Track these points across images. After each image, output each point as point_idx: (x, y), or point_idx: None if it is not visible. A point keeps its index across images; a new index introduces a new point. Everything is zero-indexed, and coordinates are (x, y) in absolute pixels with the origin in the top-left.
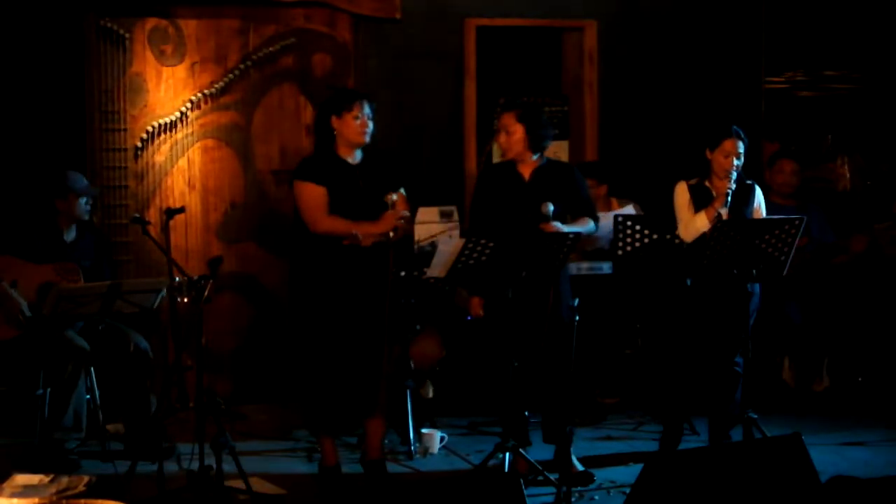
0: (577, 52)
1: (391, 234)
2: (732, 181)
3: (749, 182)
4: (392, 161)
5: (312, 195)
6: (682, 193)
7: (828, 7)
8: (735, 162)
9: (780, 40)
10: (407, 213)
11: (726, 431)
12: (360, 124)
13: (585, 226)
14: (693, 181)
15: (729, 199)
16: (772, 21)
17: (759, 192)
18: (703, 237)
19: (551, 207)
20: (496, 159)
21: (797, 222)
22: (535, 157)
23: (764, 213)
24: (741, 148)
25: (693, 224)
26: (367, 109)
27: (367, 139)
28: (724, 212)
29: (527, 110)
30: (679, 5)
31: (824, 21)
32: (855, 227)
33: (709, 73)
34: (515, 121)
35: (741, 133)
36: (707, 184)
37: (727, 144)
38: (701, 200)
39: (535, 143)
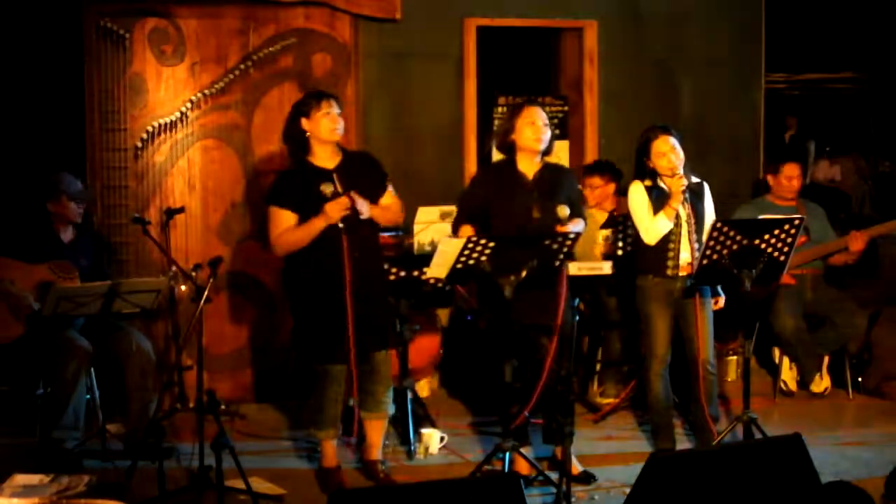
0: (577, 52)
1: (340, 224)
2: (683, 177)
3: (697, 181)
4: (373, 162)
5: (277, 221)
6: (638, 195)
7: (828, 7)
8: (674, 158)
9: (780, 40)
10: (346, 200)
11: (711, 431)
12: (330, 120)
13: (579, 226)
14: (647, 182)
15: (687, 195)
16: (772, 21)
17: (707, 189)
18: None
19: (568, 211)
20: (495, 160)
21: (797, 222)
22: (538, 159)
23: (712, 211)
24: (673, 142)
25: (655, 226)
26: (335, 107)
27: (340, 135)
28: (683, 210)
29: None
30: (679, 5)
31: (825, 21)
32: (855, 226)
33: (709, 73)
34: (545, 115)
35: (669, 128)
36: (661, 183)
37: (665, 141)
38: (659, 201)
39: (550, 142)
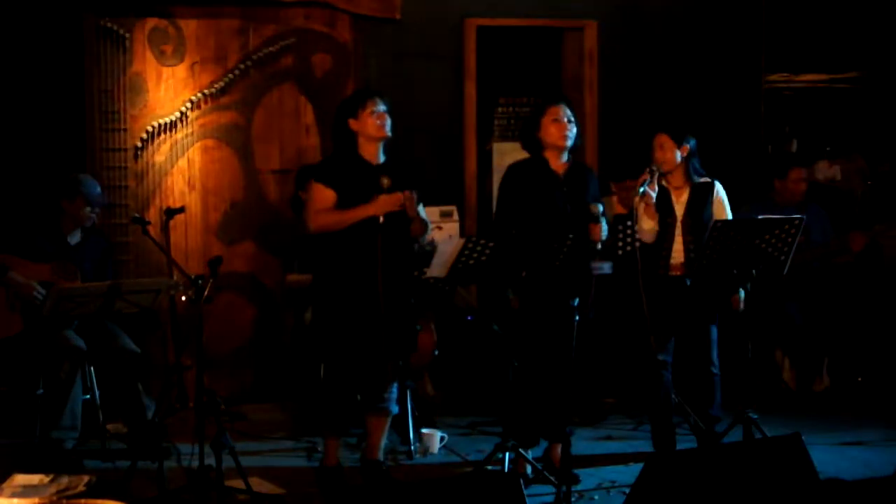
0: (577, 52)
1: (381, 218)
2: (650, 171)
3: (706, 180)
4: (416, 172)
5: (319, 197)
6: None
7: (828, 7)
8: (658, 156)
9: (780, 40)
10: (400, 196)
11: (713, 431)
12: (377, 117)
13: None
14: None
15: (642, 189)
16: (772, 21)
17: (719, 189)
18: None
19: (601, 208)
20: (496, 160)
21: (797, 222)
22: (565, 157)
23: (726, 208)
24: (661, 140)
25: (641, 227)
26: (381, 105)
27: (388, 132)
28: (677, 210)
29: (571, 105)
30: (679, 5)
31: (825, 21)
32: (856, 226)
33: (709, 73)
34: (571, 112)
35: (666, 126)
36: (664, 183)
37: (658, 138)
38: (659, 199)
39: (577, 138)
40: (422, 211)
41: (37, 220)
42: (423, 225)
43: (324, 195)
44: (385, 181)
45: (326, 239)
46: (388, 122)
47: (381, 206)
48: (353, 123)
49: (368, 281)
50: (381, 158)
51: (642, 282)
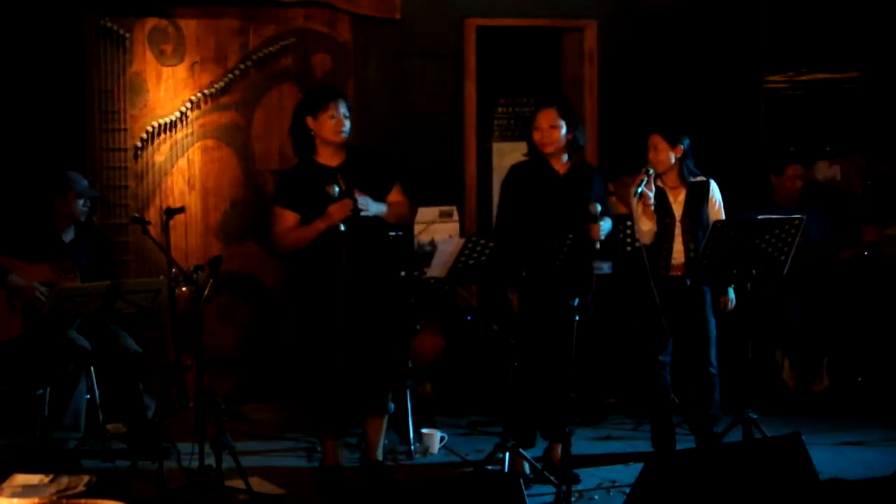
0: (577, 52)
1: (341, 227)
2: (646, 172)
3: (701, 179)
4: (381, 159)
5: (281, 220)
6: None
7: (829, 7)
8: (652, 156)
9: (780, 40)
10: (351, 204)
11: (711, 431)
12: (335, 123)
13: (608, 224)
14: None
15: (639, 189)
16: (772, 21)
17: (714, 188)
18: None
19: (599, 208)
20: (496, 160)
21: (797, 222)
22: (565, 158)
23: (720, 209)
24: (655, 141)
25: (640, 228)
26: (342, 108)
27: (345, 136)
28: (675, 210)
29: (566, 107)
30: (679, 5)
31: (824, 21)
32: (859, 225)
33: (709, 74)
34: (558, 116)
35: (661, 127)
36: (659, 183)
37: (652, 139)
38: (657, 200)
39: (574, 142)
40: (369, 203)
41: (30, 221)
42: (396, 208)
43: (283, 217)
44: (330, 190)
45: (312, 251)
46: (347, 125)
47: (333, 216)
48: (310, 121)
49: (334, 292)
50: (342, 159)
51: (645, 282)
